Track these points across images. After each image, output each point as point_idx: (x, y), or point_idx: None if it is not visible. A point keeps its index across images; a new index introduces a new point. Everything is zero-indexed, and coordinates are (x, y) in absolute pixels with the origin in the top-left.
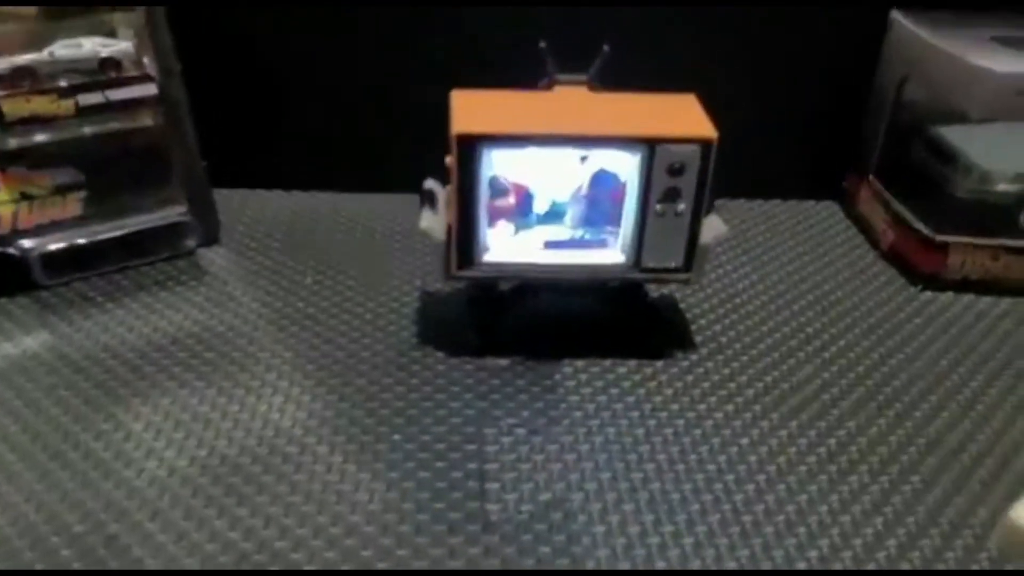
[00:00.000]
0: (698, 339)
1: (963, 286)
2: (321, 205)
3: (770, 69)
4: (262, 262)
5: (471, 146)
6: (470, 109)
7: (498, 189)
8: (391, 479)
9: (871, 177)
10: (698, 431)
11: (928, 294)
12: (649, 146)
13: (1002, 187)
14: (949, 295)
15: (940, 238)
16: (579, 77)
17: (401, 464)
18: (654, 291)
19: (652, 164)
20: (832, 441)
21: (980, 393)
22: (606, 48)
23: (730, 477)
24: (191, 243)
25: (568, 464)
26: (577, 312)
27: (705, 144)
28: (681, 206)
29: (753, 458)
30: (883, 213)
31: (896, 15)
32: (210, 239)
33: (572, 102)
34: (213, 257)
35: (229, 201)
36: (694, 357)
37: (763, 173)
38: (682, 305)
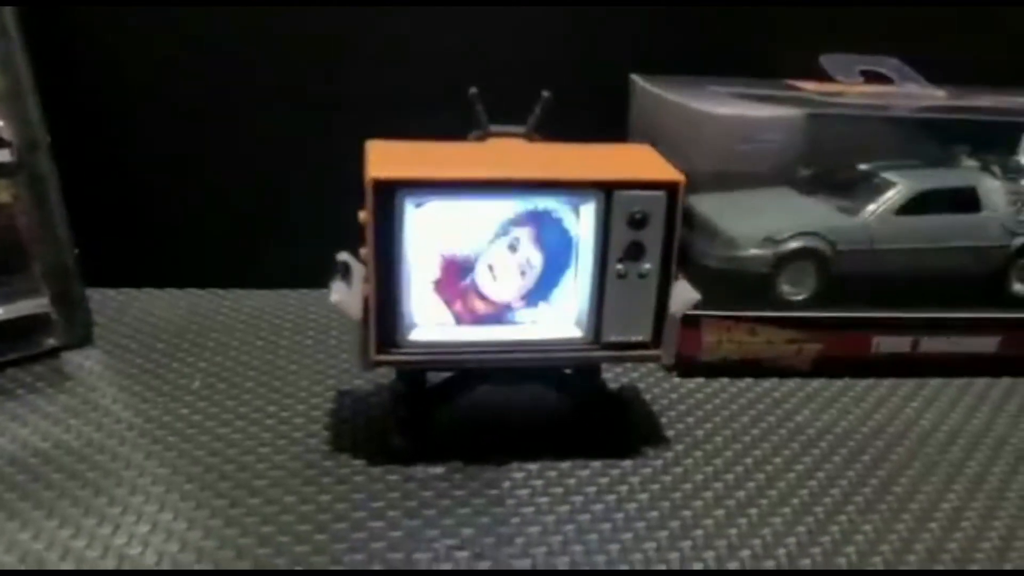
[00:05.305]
0: (669, 433)
1: (720, 370)
2: (220, 303)
3: None
4: (141, 365)
5: (389, 194)
6: (389, 155)
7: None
8: None
9: None
10: (687, 543)
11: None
12: (606, 192)
13: (752, 252)
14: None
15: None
16: (516, 128)
17: None
18: (611, 380)
19: (610, 215)
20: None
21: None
22: (546, 94)
23: None
24: (52, 342)
25: None
26: (523, 404)
27: (671, 189)
28: (646, 266)
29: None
30: None
31: (636, 79)
32: (80, 339)
33: (510, 150)
34: (81, 360)
35: (110, 300)
36: (668, 455)
37: None
38: (647, 396)
